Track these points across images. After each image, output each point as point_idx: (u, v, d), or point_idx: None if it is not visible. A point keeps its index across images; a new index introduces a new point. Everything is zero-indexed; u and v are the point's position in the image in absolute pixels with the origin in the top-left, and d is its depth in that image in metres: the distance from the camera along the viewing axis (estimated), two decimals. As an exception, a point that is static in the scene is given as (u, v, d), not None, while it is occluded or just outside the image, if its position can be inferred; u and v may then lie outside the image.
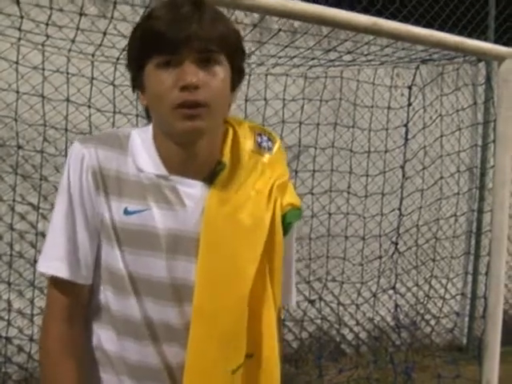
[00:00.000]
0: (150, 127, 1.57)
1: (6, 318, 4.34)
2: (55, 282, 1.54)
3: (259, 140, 1.61)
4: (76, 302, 1.54)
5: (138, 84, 1.52)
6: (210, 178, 1.53)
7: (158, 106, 1.45)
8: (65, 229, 1.52)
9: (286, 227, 1.57)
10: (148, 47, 1.43)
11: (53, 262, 1.52)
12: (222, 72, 1.45)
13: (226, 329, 1.49)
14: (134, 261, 1.49)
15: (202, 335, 1.48)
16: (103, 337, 1.56)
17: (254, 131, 1.62)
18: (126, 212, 1.49)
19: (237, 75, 1.53)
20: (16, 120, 4.23)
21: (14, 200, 4.30)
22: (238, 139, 1.58)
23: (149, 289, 1.50)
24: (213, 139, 1.52)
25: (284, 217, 1.56)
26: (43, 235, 4.31)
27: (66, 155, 4.26)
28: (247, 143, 1.59)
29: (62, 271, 1.51)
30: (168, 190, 1.51)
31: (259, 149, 1.60)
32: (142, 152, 1.53)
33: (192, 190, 1.51)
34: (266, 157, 1.60)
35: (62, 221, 1.52)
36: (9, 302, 4.37)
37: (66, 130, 4.32)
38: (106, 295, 1.53)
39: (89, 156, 1.50)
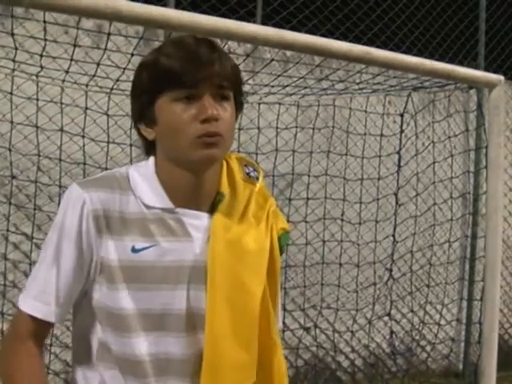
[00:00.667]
0: (150, 162, 1.61)
1: None
2: (27, 314, 1.56)
3: (247, 171, 1.70)
4: (41, 331, 1.58)
5: (145, 117, 1.56)
6: (211, 209, 1.59)
7: (176, 138, 1.51)
8: (49, 271, 1.54)
9: (281, 249, 1.67)
10: (163, 83, 1.50)
11: (30, 300, 1.55)
12: (230, 107, 1.55)
13: (239, 353, 1.53)
14: (144, 297, 1.51)
15: (216, 360, 1.51)
16: (106, 376, 1.56)
17: (241, 162, 1.70)
18: (134, 250, 1.52)
19: (238, 110, 1.62)
20: (10, 150, 4.23)
21: (7, 230, 4.29)
22: (232, 170, 1.66)
23: (159, 323, 1.52)
24: (215, 171, 1.60)
25: (279, 240, 1.66)
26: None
27: (60, 185, 4.30)
28: (239, 174, 1.67)
29: (36, 310, 1.54)
30: (173, 222, 1.55)
31: (249, 178, 1.69)
32: (144, 188, 1.57)
33: (197, 221, 1.57)
34: (257, 186, 1.69)
35: (48, 260, 1.55)
36: (2, 332, 4.34)
37: (60, 159, 4.33)
38: (106, 336, 1.54)
39: (90, 200, 1.52)
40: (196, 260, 1.54)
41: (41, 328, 1.57)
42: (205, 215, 1.58)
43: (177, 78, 1.48)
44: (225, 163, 1.65)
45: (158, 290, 1.52)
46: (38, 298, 1.54)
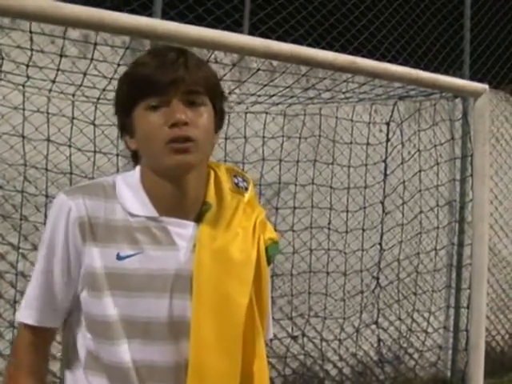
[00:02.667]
0: (136, 171, 1.63)
1: (-14, 359, 4.29)
2: (27, 325, 1.62)
3: (236, 181, 1.71)
4: (43, 339, 1.64)
5: (126, 129, 1.60)
6: (197, 218, 1.60)
7: (149, 145, 1.53)
8: (42, 280, 1.59)
9: (268, 260, 1.67)
10: (136, 92, 1.53)
11: (29, 311, 1.61)
12: (205, 112, 1.55)
13: (223, 364, 1.53)
14: (129, 304, 1.52)
15: (200, 370, 1.51)
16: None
17: (230, 173, 1.72)
18: (119, 257, 1.53)
19: (219, 117, 1.63)
20: (-4, 160, 4.22)
21: (-7, 240, 4.27)
22: (220, 180, 1.67)
23: (144, 330, 1.52)
24: (198, 179, 1.60)
25: (266, 250, 1.66)
26: (23, 275, 4.28)
27: (46, 195, 4.29)
28: (227, 184, 1.68)
29: (34, 320, 1.60)
30: (158, 231, 1.56)
31: (238, 189, 1.70)
32: (130, 197, 1.59)
33: (182, 229, 1.57)
34: (246, 196, 1.70)
35: (39, 270, 1.59)
36: (-12, 342, 4.32)
37: (47, 169, 4.32)
38: (94, 343, 1.55)
39: (76, 208, 1.54)
40: (181, 269, 1.54)
41: (37, 337, 1.62)
42: (190, 224, 1.59)
43: (147, 87, 1.51)
44: (213, 173, 1.66)
45: (142, 297, 1.52)
46: (31, 306, 1.60)
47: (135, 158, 1.64)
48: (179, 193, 1.57)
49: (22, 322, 1.62)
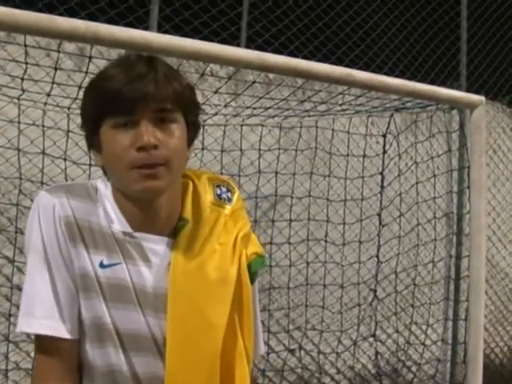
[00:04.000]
0: (109, 185, 1.56)
1: (-20, 374, 4.26)
2: (42, 340, 1.49)
3: (218, 192, 1.63)
4: (66, 358, 1.49)
5: (93, 145, 1.52)
6: (173, 234, 1.53)
7: (116, 167, 1.46)
8: (44, 284, 1.47)
9: (252, 276, 1.59)
10: (103, 108, 1.44)
11: (32, 319, 1.46)
12: (177, 130, 1.47)
13: (199, 383, 1.48)
14: (117, 313, 1.48)
15: None
16: None
17: (212, 183, 1.64)
18: (102, 265, 1.48)
19: (192, 130, 1.55)
20: (-9, 173, 4.21)
21: (-12, 254, 4.25)
22: (199, 193, 1.59)
23: (133, 342, 1.49)
24: (172, 196, 1.53)
25: (249, 266, 1.58)
26: (19, 288, 4.25)
27: (42, 208, 4.27)
28: (207, 196, 1.60)
29: (43, 328, 1.46)
30: (133, 247, 1.50)
31: (219, 201, 1.61)
32: (109, 206, 1.53)
33: (156, 246, 1.52)
34: (228, 208, 1.61)
35: (40, 276, 1.47)
36: (-18, 356, 4.29)
37: (42, 182, 4.31)
38: (92, 351, 1.50)
39: (60, 206, 1.48)
40: (156, 287, 1.50)
41: (61, 352, 1.48)
42: (165, 240, 1.53)
43: (114, 104, 1.42)
44: (191, 185, 1.59)
45: (124, 309, 1.48)
46: (45, 316, 1.46)
47: (105, 173, 1.56)
48: (150, 213, 1.51)
49: (36, 337, 1.48)
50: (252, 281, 1.59)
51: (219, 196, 1.62)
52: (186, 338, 1.48)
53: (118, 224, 1.51)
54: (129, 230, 1.51)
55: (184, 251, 1.51)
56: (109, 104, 1.42)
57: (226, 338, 1.50)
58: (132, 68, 1.44)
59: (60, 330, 1.46)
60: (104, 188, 1.55)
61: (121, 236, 1.51)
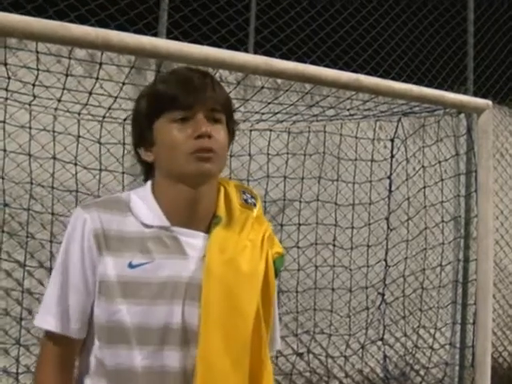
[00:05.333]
0: (148, 185, 1.72)
1: (-8, 377, 4.30)
2: (49, 334, 1.66)
3: (244, 197, 1.78)
4: (66, 352, 1.67)
5: (144, 141, 1.68)
6: (207, 230, 1.66)
7: (173, 154, 1.62)
8: (59, 287, 1.64)
9: (276, 272, 1.72)
10: (161, 106, 1.63)
11: (45, 316, 1.65)
12: (223, 129, 1.67)
13: (230, 373, 1.57)
14: (141, 311, 1.57)
15: (207, 377, 1.55)
16: None
17: (238, 189, 1.79)
18: (131, 266, 1.60)
19: (230, 137, 1.73)
20: (3, 178, 4.24)
21: (0, 257, 4.28)
22: (230, 196, 1.74)
23: (154, 336, 1.57)
24: (213, 190, 1.70)
25: (274, 263, 1.71)
26: (29, 292, 4.30)
27: (52, 212, 4.31)
28: (237, 199, 1.75)
29: (51, 325, 1.64)
30: (169, 240, 1.63)
31: (247, 204, 1.76)
32: (144, 208, 1.66)
33: (192, 239, 1.64)
34: (255, 211, 1.76)
35: (58, 280, 1.65)
36: (-5, 358, 4.33)
37: (53, 187, 4.34)
38: (102, 351, 1.60)
39: (91, 220, 1.63)
40: (191, 277, 1.60)
41: (64, 347, 1.66)
42: (201, 235, 1.66)
43: (173, 101, 1.61)
44: (222, 189, 1.74)
45: (153, 305, 1.58)
46: (55, 316, 1.64)
47: (147, 171, 1.73)
48: (194, 201, 1.64)
49: (45, 331, 1.66)
50: (275, 276, 1.71)
51: (246, 200, 1.77)
52: (219, 324, 1.58)
53: (156, 220, 1.65)
54: (166, 223, 1.64)
55: (218, 245, 1.64)
56: (168, 102, 1.62)
57: (254, 328, 1.60)
58: (187, 73, 1.67)
59: (66, 328, 1.63)
60: (140, 192, 1.71)
61: (156, 232, 1.63)
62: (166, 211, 1.65)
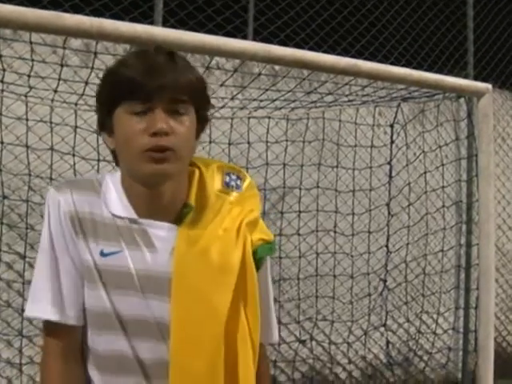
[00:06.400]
0: (119, 172, 1.63)
1: (-5, 368, 4.31)
2: (47, 324, 1.58)
3: (227, 179, 1.67)
4: (69, 343, 1.58)
5: (105, 127, 1.58)
6: (178, 221, 1.58)
7: (127, 150, 1.52)
8: (49, 273, 1.56)
9: (258, 262, 1.61)
10: (120, 93, 1.51)
11: (39, 305, 1.56)
12: (188, 121, 1.54)
13: (202, 369, 1.51)
14: (118, 300, 1.53)
15: (180, 377, 1.51)
16: (95, 379, 1.58)
17: (222, 171, 1.68)
18: (102, 254, 1.54)
19: (202, 124, 1.61)
20: (1, 170, 4.24)
21: (0, 249, 4.28)
22: (205, 180, 1.64)
23: (133, 326, 1.53)
24: (178, 182, 1.58)
25: (255, 252, 1.60)
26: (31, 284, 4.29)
27: (51, 204, 4.30)
28: (214, 184, 1.65)
29: (48, 314, 1.55)
30: (138, 233, 1.56)
31: (227, 188, 1.65)
32: (113, 196, 1.59)
33: (161, 231, 1.57)
34: (234, 195, 1.65)
35: (46, 266, 1.57)
36: (-2, 350, 4.34)
37: (51, 178, 4.33)
38: (97, 338, 1.56)
39: (64, 201, 1.56)
40: (161, 271, 1.54)
41: (65, 336, 1.57)
42: (169, 226, 1.57)
43: (131, 91, 1.49)
44: (197, 173, 1.63)
45: (125, 295, 1.53)
46: (51, 302, 1.55)
47: (115, 156, 1.62)
48: (154, 197, 1.56)
49: (43, 322, 1.58)
50: (258, 267, 1.61)
51: (227, 183, 1.66)
52: (190, 322, 1.52)
53: (123, 210, 1.57)
54: (134, 216, 1.57)
55: (187, 236, 1.55)
56: (126, 90, 1.49)
57: (228, 322, 1.53)
58: (151, 58, 1.52)
59: (64, 316, 1.55)
60: (112, 177, 1.62)
61: (124, 223, 1.56)
62: (133, 203, 1.57)
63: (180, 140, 1.50)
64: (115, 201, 1.58)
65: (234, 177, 1.68)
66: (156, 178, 1.52)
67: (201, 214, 1.59)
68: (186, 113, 1.53)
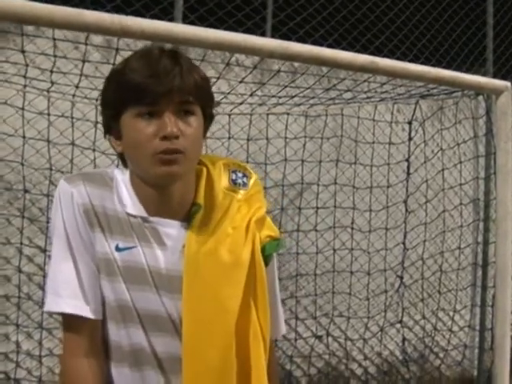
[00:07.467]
0: (127, 171, 1.63)
1: (15, 359, 4.36)
2: (68, 319, 1.57)
3: (234, 177, 1.68)
4: (90, 336, 1.57)
5: (111, 131, 1.59)
6: (187, 219, 1.60)
7: (137, 153, 1.53)
8: (67, 267, 1.55)
9: (266, 259, 1.63)
10: (127, 98, 1.51)
11: (60, 300, 1.55)
12: (196, 122, 1.55)
13: (215, 365, 1.54)
14: (136, 295, 1.55)
15: (193, 372, 1.53)
16: (114, 373, 1.60)
17: (228, 169, 1.69)
18: (118, 249, 1.56)
19: (208, 121, 1.63)
20: (23, 164, 4.29)
21: (21, 243, 4.34)
22: (212, 179, 1.65)
23: (152, 322, 1.55)
24: (186, 182, 1.59)
25: (263, 249, 1.63)
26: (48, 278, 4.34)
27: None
28: (221, 182, 1.66)
29: (70, 308, 1.54)
30: (149, 231, 1.57)
31: (234, 186, 1.67)
32: (125, 194, 1.60)
33: (171, 230, 1.58)
34: (241, 193, 1.66)
35: (64, 260, 1.56)
36: (17, 343, 4.38)
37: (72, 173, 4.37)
38: (117, 332, 1.57)
39: (78, 194, 1.56)
40: (172, 269, 1.56)
41: (86, 331, 1.56)
42: (179, 225, 1.59)
43: (138, 95, 1.49)
44: (205, 171, 1.65)
45: (142, 291, 1.55)
46: (73, 297, 1.54)
47: (122, 158, 1.62)
48: (164, 197, 1.57)
49: (65, 314, 1.56)
50: (266, 263, 1.63)
51: (234, 181, 1.67)
52: (201, 319, 1.54)
53: (134, 209, 1.58)
54: (144, 214, 1.58)
55: (197, 235, 1.57)
56: (133, 95, 1.49)
57: (239, 318, 1.55)
58: (157, 61, 1.51)
59: (84, 309, 1.54)
60: (121, 175, 1.62)
61: (136, 220, 1.58)
62: (142, 202, 1.58)
63: (189, 142, 1.52)
64: (127, 198, 1.59)
65: (240, 174, 1.70)
66: (166, 180, 1.54)
67: (210, 212, 1.61)
68: (193, 113, 1.55)
